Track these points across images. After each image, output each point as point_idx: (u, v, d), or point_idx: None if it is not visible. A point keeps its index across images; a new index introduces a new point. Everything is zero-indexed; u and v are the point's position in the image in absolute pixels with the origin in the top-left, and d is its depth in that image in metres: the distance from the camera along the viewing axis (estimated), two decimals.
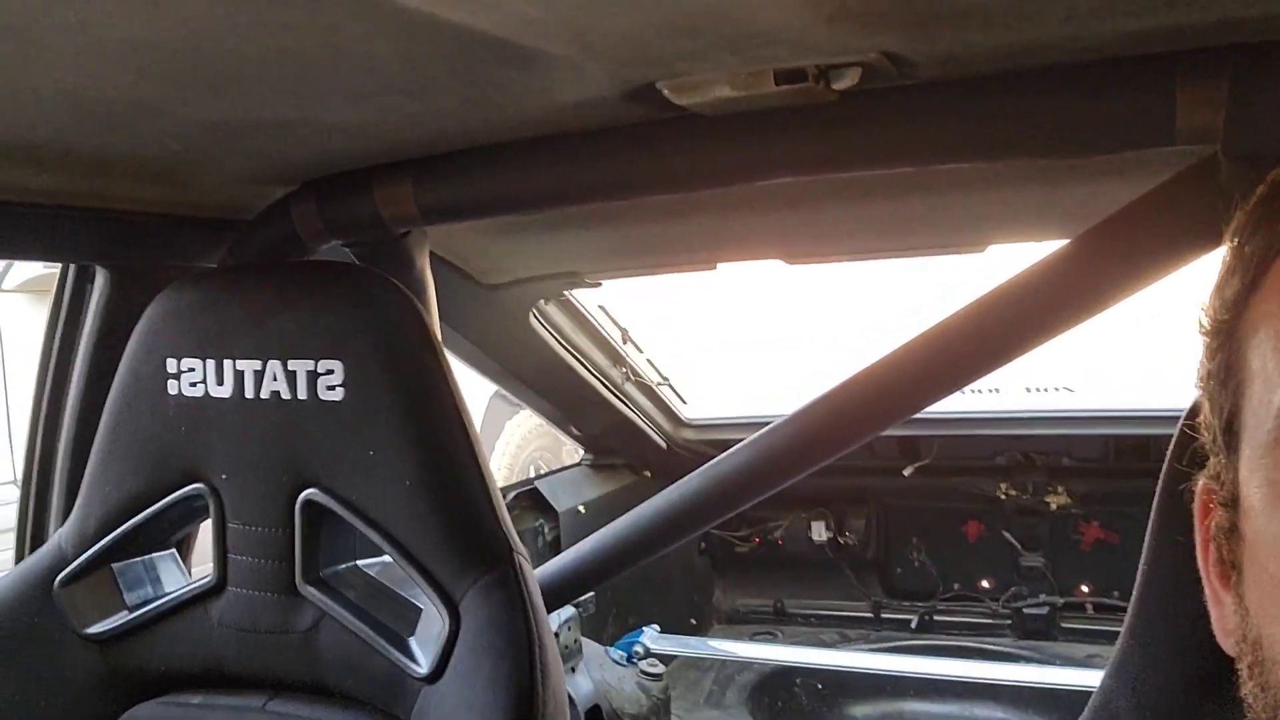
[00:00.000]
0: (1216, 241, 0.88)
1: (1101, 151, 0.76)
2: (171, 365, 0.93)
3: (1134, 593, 0.63)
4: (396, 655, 0.87)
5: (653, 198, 1.23)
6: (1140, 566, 0.63)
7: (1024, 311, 1.07)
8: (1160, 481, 0.62)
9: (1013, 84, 0.75)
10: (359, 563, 0.97)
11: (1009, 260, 1.30)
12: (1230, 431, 0.46)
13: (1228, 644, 0.47)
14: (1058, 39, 0.68)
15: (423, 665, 0.85)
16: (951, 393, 1.18)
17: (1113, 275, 0.99)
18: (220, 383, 0.91)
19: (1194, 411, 0.57)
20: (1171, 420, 1.97)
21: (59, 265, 1.20)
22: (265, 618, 0.93)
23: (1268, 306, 0.44)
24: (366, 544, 0.96)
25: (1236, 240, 0.47)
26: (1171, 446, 0.61)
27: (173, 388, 0.93)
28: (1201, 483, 0.50)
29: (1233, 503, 0.45)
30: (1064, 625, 2.50)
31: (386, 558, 0.99)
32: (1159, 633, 0.61)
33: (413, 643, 0.88)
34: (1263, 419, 0.42)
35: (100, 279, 1.11)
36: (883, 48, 0.69)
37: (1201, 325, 0.49)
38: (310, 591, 0.91)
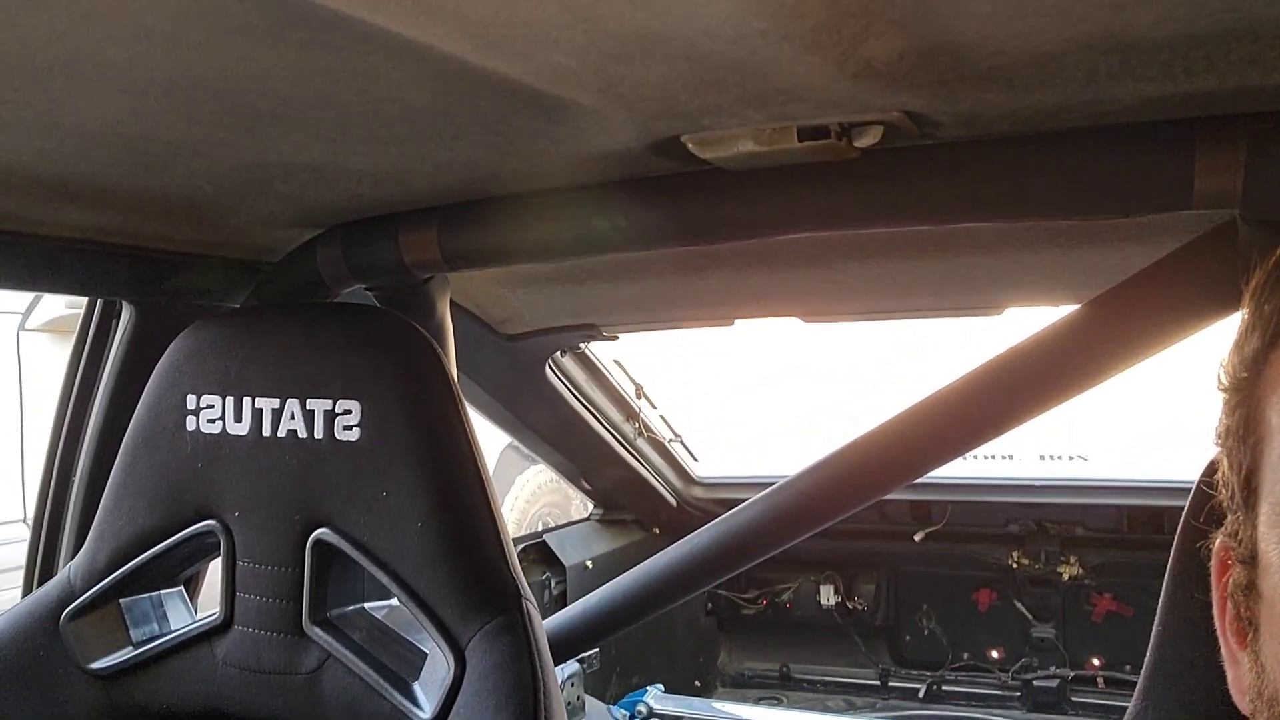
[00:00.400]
0: (1233, 306, 0.89)
1: (1120, 214, 0.77)
2: (191, 402, 0.94)
3: (1148, 652, 0.62)
4: (400, 699, 0.86)
5: (672, 253, 1.25)
6: (1154, 627, 0.63)
7: (1036, 374, 1.07)
8: (1176, 539, 0.62)
9: (1033, 145, 0.76)
10: (366, 605, 0.96)
11: (1025, 325, 1.31)
12: (1249, 488, 0.46)
13: (1243, 702, 0.47)
14: (1078, 102, 0.69)
15: (426, 710, 0.84)
16: (962, 454, 1.18)
17: (1127, 338, 1.00)
18: (238, 420, 0.92)
19: (1211, 469, 0.57)
20: (1186, 492, 1.95)
21: (81, 308, 1.21)
22: (270, 658, 0.92)
23: None
24: (375, 586, 0.96)
25: (1256, 299, 0.47)
26: (1188, 503, 0.61)
27: (191, 424, 0.94)
28: (1219, 540, 0.50)
29: (1251, 559, 0.45)
30: (1074, 699, 2.45)
31: (394, 600, 0.99)
32: (1173, 692, 0.60)
33: (416, 687, 0.87)
34: None
35: (126, 314, 1.12)
36: (905, 107, 0.70)
37: (1221, 382, 0.49)
38: (317, 632, 0.90)
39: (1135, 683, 2.02)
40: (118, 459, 0.98)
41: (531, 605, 0.88)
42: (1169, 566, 0.62)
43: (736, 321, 1.44)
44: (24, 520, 3.15)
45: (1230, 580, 0.48)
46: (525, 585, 0.89)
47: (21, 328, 3.31)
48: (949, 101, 0.70)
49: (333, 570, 0.91)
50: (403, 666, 0.88)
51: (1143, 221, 1.04)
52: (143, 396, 0.97)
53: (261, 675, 0.92)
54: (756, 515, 1.27)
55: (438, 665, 0.85)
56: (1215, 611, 0.50)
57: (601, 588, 1.49)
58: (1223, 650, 0.49)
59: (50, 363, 3.27)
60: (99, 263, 0.99)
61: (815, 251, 1.23)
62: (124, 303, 1.13)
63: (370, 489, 0.88)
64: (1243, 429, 0.46)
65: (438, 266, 0.98)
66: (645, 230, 0.92)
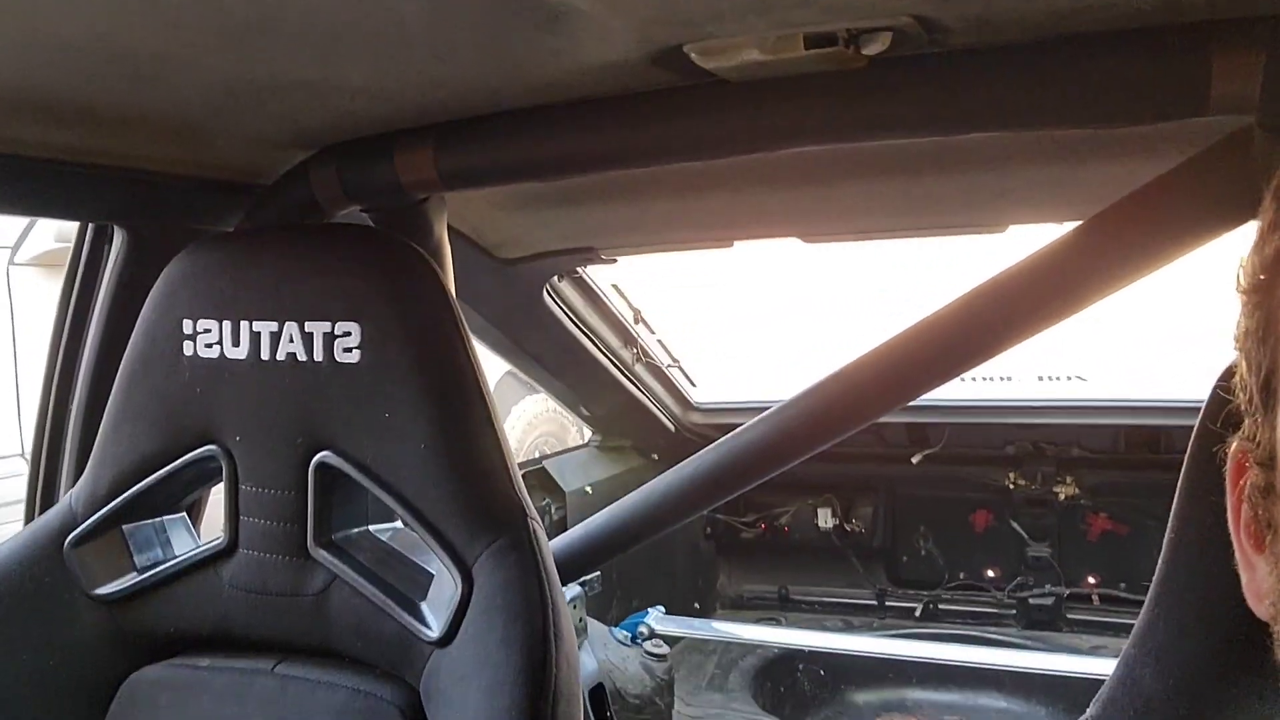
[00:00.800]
0: (1242, 218, 0.87)
1: (1134, 121, 0.75)
2: (188, 326, 0.93)
3: (1160, 562, 0.62)
4: (407, 619, 0.87)
5: (671, 172, 1.23)
6: (1167, 534, 0.62)
7: (1039, 291, 1.06)
8: (1191, 444, 0.62)
9: (1046, 51, 0.74)
10: (370, 527, 0.96)
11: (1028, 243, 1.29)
12: (1268, 390, 0.45)
13: (1261, 608, 0.47)
14: (1093, 5, 0.67)
15: (434, 629, 0.85)
16: (962, 373, 1.18)
17: (1132, 253, 0.99)
18: (236, 344, 0.91)
19: (1229, 373, 0.56)
20: (1186, 411, 1.98)
21: (71, 241, 1.19)
22: (276, 580, 0.93)
23: None
24: (379, 508, 0.96)
25: (1276, 196, 0.46)
26: (1204, 408, 0.60)
27: (188, 349, 0.93)
28: (1236, 444, 0.49)
29: (1269, 462, 0.44)
30: (1069, 616, 2.50)
31: (398, 523, 0.99)
32: (1186, 601, 0.60)
33: (424, 607, 0.88)
34: None
35: (118, 239, 1.11)
36: (914, 11, 0.68)
37: (1239, 283, 0.48)
38: (322, 555, 0.90)
39: (1130, 599, 2.06)
40: (115, 385, 0.98)
41: (537, 524, 0.88)
42: (1183, 472, 0.62)
43: (736, 243, 1.42)
44: (21, 454, 3.16)
45: (1247, 483, 0.47)
46: (530, 504, 0.89)
47: (11, 262, 3.28)
48: (959, 4, 0.67)
49: (336, 493, 0.91)
50: (409, 587, 0.89)
51: (1149, 133, 1.02)
52: (138, 322, 0.96)
53: (268, 597, 0.92)
54: (756, 438, 1.27)
55: (445, 585, 0.85)
56: (1230, 516, 0.50)
57: (602, 511, 1.50)
58: (1237, 555, 0.49)
59: (40, 297, 3.24)
60: (88, 186, 0.97)
61: (816, 170, 1.21)
62: (115, 227, 1.11)
63: (372, 411, 0.87)
64: (1262, 330, 0.45)
65: (434, 186, 0.97)
66: (647, 145, 0.90)
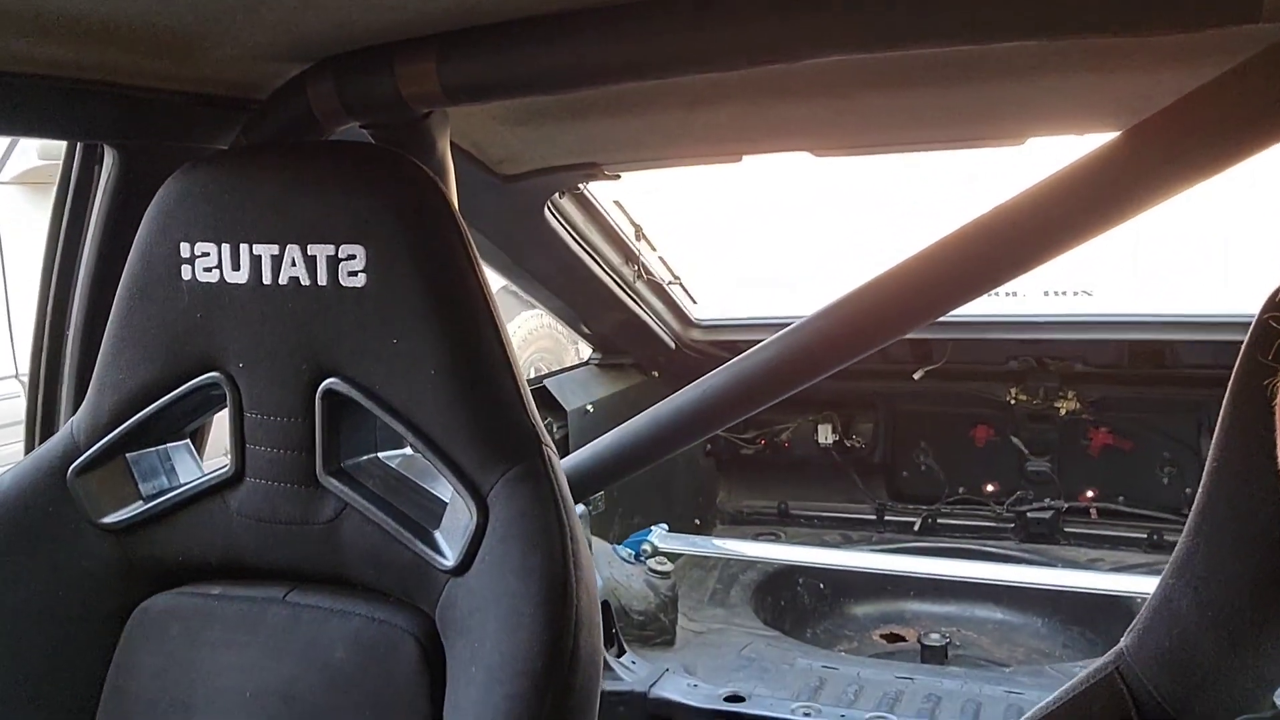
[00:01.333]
0: None
1: (1181, 27, 0.72)
2: (185, 249, 0.89)
3: (1200, 491, 0.61)
4: (421, 548, 0.85)
5: (679, 84, 1.18)
6: (1208, 464, 0.61)
7: (1072, 206, 1.03)
8: (1234, 373, 0.60)
9: None
10: (379, 454, 0.95)
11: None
12: None
13: None
14: None
15: (449, 558, 0.84)
16: (988, 291, 1.15)
17: (1168, 168, 0.96)
18: (236, 268, 0.88)
19: (1274, 303, 0.54)
20: (1191, 326, 1.96)
21: (57, 159, 1.15)
22: (285, 509, 0.91)
23: None
24: (387, 435, 0.94)
25: None
26: (1249, 337, 0.58)
27: (186, 273, 0.90)
28: None
29: None
30: (1067, 530, 2.51)
31: (407, 450, 0.97)
32: (1226, 531, 0.59)
33: (438, 535, 0.86)
34: None
35: (109, 159, 1.06)
36: None
37: None
38: (331, 483, 0.89)
39: (1128, 513, 2.07)
40: (112, 312, 0.95)
41: (552, 451, 0.86)
42: (1226, 402, 0.60)
43: (745, 158, 1.38)
44: (15, 376, 3.13)
45: None
46: (544, 430, 0.87)
47: None
48: None
49: (344, 420, 0.89)
50: (423, 515, 0.87)
51: (1181, 43, 0.98)
52: (134, 246, 0.92)
53: (278, 526, 0.91)
54: (770, 358, 1.25)
55: (459, 513, 0.84)
56: None
57: (610, 432, 1.49)
58: None
59: (25, 217, 3.18)
60: (76, 103, 0.93)
61: (829, 81, 1.17)
62: (105, 147, 1.07)
63: (380, 336, 0.84)
64: None
65: (437, 100, 0.92)
66: (658, 55, 0.86)
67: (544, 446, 0.86)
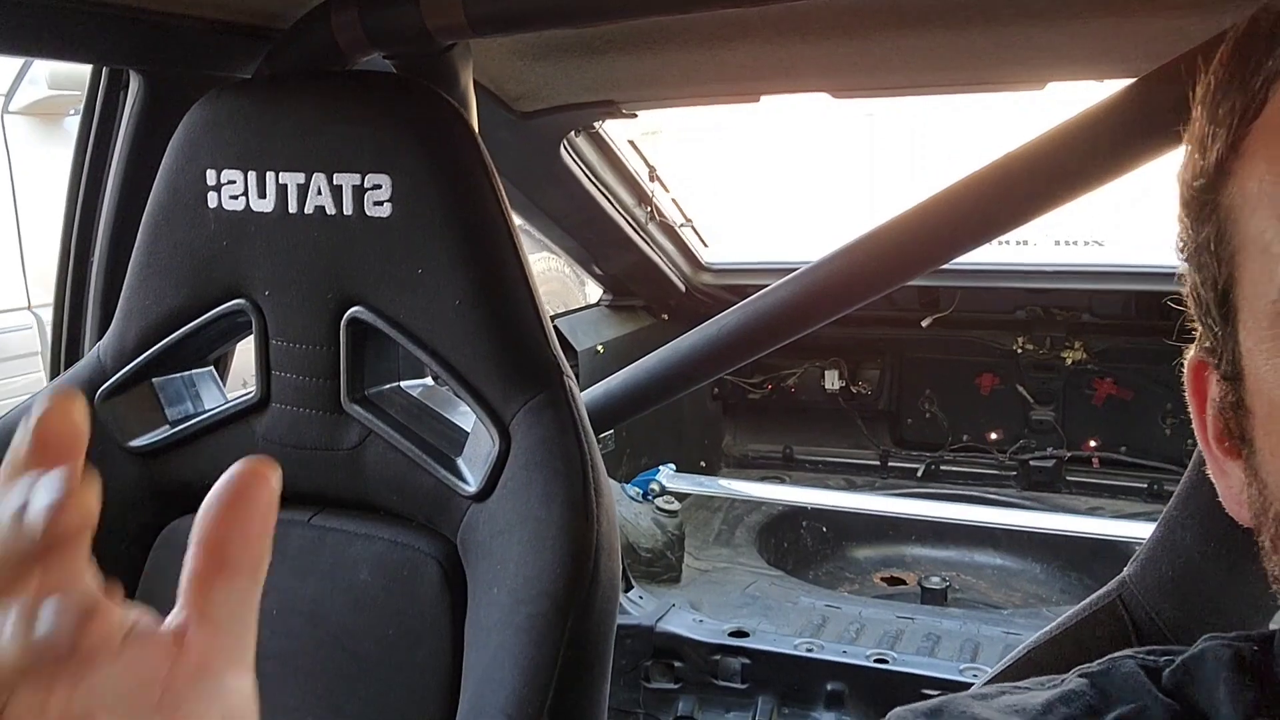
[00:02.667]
0: None
1: None
2: (211, 177, 0.90)
3: (1199, 448, 0.62)
4: (444, 474, 0.88)
5: (697, 21, 1.18)
6: None
7: (1084, 153, 1.04)
8: None
9: None
10: (402, 383, 0.96)
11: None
12: (1227, 303, 0.44)
13: (1242, 515, 0.47)
14: None
15: (471, 484, 0.86)
16: (996, 238, 1.16)
17: (1182, 116, 0.96)
18: (262, 196, 0.89)
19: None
20: None
21: (65, 89, 1.15)
22: (310, 434, 0.93)
23: (1258, 173, 0.42)
24: (410, 364, 0.96)
25: (1209, 105, 0.44)
26: None
27: (212, 200, 0.91)
28: (1191, 356, 0.49)
29: (1236, 376, 0.44)
30: (1069, 478, 2.54)
31: (428, 380, 0.99)
32: None
33: (460, 462, 0.88)
34: (1264, 289, 0.41)
35: (134, 85, 1.07)
36: None
37: (1182, 196, 0.46)
38: (356, 410, 0.91)
39: (1129, 463, 2.09)
40: (138, 238, 0.96)
41: (572, 381, 0.88)
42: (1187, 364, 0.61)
43: (763, 98, 1.38)
44: (28, 307, 3.15)
45: (1213, 397, 0.47)
46: (564, 361, 0.89)
47: (5, 110, 3.20)
48: None
49: (368, 349, 0.91)
50: (445, 443, 0.89)
51: None
52: (159, 173, 0.94)
53: (303, 451, 0.93)
54: (780, 300, 1.26)
55: (481, 441, 0.86)
56: (1195, 426, 0.49)
57: (621, 371, 1.50)
58: (1209, 463, 0.49)
59: (36, 148, 3.17)
60: (103, 27, 0.93)
61: (848, 20, 1.16)
62: (131, 74, 1.07)
63: (405, 267, 0.86)
64: (1214, 243, 0.44)
65: (462, 32, 0.93)
66: None
67: (565, 377, 0.87)
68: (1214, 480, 0.49)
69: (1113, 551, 2.24)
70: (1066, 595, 2.32)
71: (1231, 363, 0.44)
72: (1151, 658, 0.52)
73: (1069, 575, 2.38)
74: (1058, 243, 2.43)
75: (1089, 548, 2.29)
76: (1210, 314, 0.45)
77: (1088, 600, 0.66)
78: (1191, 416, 0.50)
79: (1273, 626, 0.64)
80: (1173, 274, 1.66)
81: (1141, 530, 2.18)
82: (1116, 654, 0.52)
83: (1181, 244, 0.47)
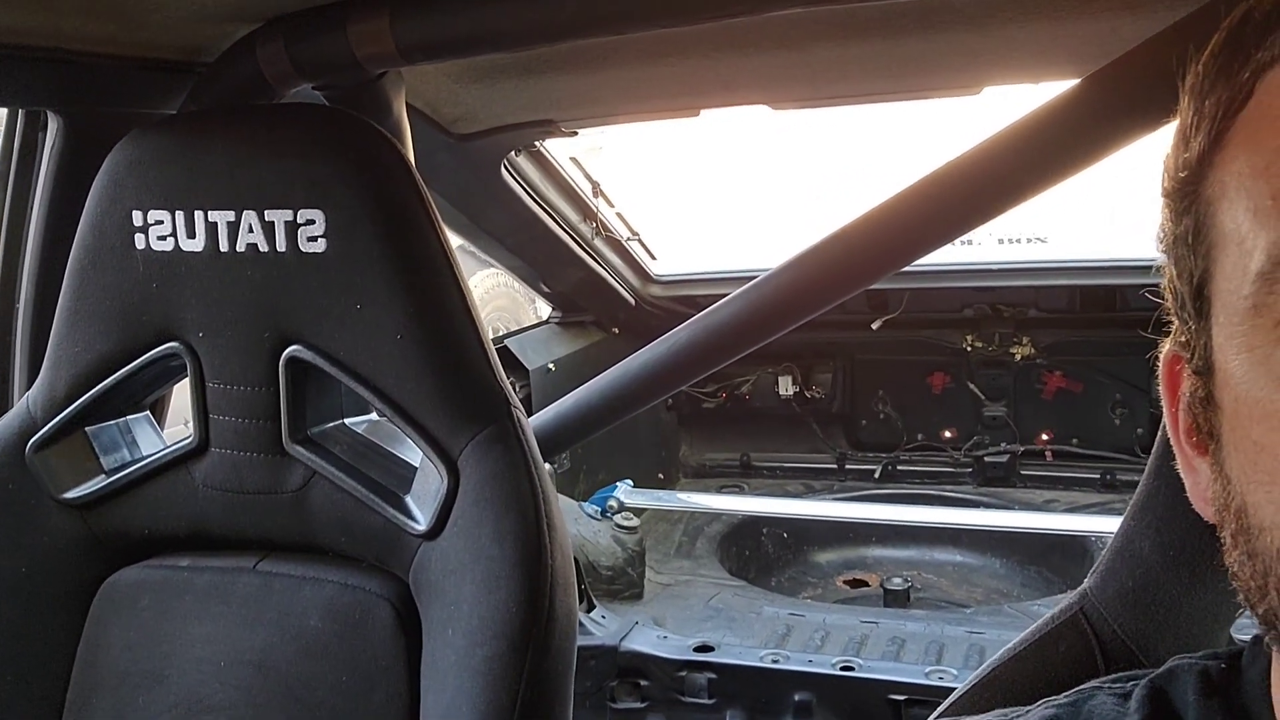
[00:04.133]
0: None
1: None
2: (137, 218, 0.87)
3: (1160, 432, 0.62)
4: (393, 513, 0.85)
5: (635, 38, 1.17)
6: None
7: (1029, 156, 1.04)
8: None
9: None
10: (345, 421, 0.94)
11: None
12: (1201, 296, 0.43)
13: (1207, 512, 0.46)
14: None
15: (421, 522, 0.84)
16: (948, 243, 1.16)
17: (1125, 115, 0.97)
18: (191, 235, 0.86)
19: None
20: (1139, 270, 1.98)
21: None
22: (252, 478, 0.90)
23: (1236, 166, 0.41)
24: (352, 401, 0.94)
25: (1196, 96, 0.44)
26: None
27: (140, 242, 0.88)
28: (1167, 349, 0.48)
29: (1207, 370, 0.43)
30: (1023, 472, 2.57)
31: (373, 415, 0.97)
32: None
33: (409, 500, 0.86)
34: (1238, 284, 0.40)
35: (53, 126, 1.03)
36: None
37: (1164, 187, 0.46)
38: (299, 451, 0.88)
39: (1081, 454, 2.12)
40: (64, 283, 0.93)
41: (520, 413, 0.86)
42: (1162, 357, 0.61)
43: (703, 112, 1.37)
44: None
45: (1185, 391, 0.46)
46: (512, 392, 0.87)
47: None
48: None
49: (309, 388, 0.88)
50: (392, 480, 0.87)
51: None
52: (83, 216, 0.90)
53: (245, 496, 0.90)
54: (736, 312, 1.26)
55: (430, 478, 0.84)
56: (1167, 421, 0.49)
57: (575, 391, 1.49)
58: (1179, 459, 0.48)
59: None
60: (18, 69, 0.90)
61: (786, 32, 1.16)
62: (49, 114, 1.03)
63: (342, 302, 0.83)
64: (1192, 236, 0.44)
65: (392, 60, 0.91)
66: (618, 10, 0.85)
67: (512, 408, 0.86)
68: (1183, 477, 0.49)
69: (1070, 544, 2.26)
70: (1027, 589, 2.34)
71: (1203, 357, 0.44)
72: (1118, 685, 0.51)
73: (1028, 569, 2.40)
74: (1002, 241, 2.46)
75: (1047, 541, 2.32)
76: (1185, 307, 0.45)
77: (1049, 614, 0.65)
78: (1164, 411, 0.49)
79: (1233, 634, 0.64)
80: (1114, 267, 1.68)
81: (1096, 524, 2.21)
82: (1085, 685, 0.52)
83: (1161, 235, 0.47)
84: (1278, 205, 0.39)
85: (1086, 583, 0.66)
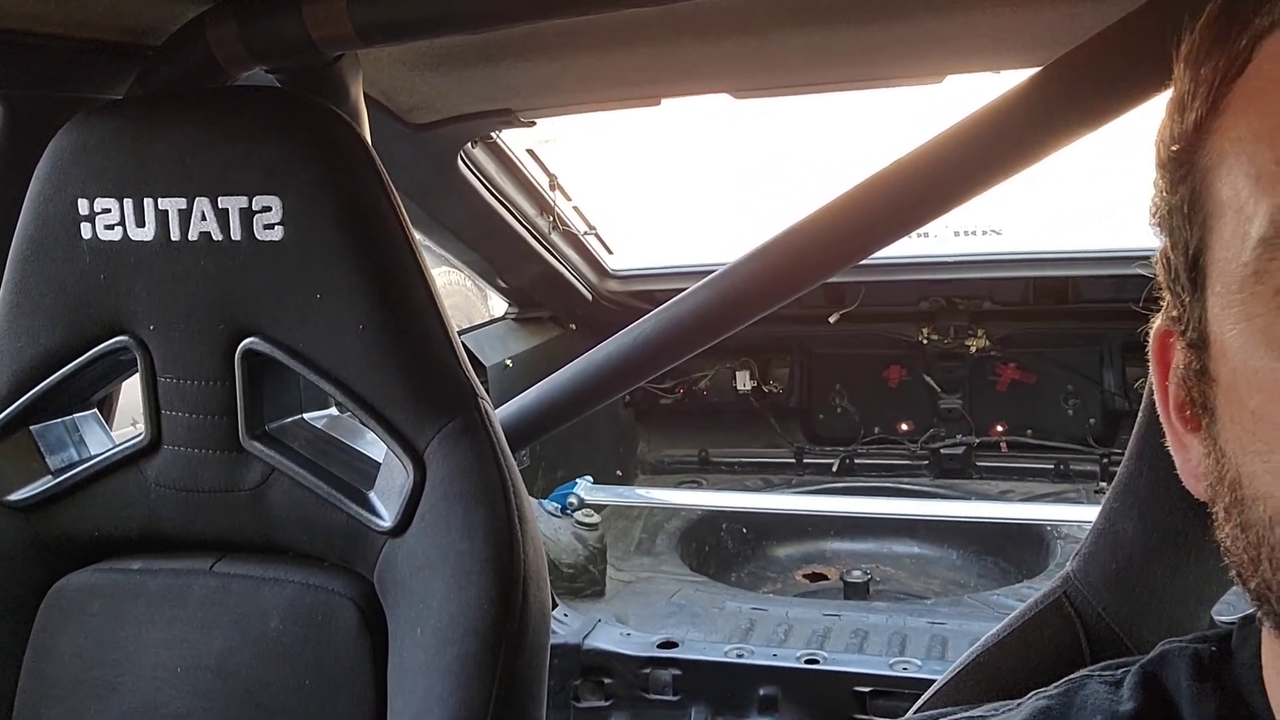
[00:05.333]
0: None
1: None
2: (83, 206, 0.84)
3: (1139, 414, 0.61)
4: (356, 509, 0.83)
5: (595, 25, 1.15)
6: (1147, 389, 0.61)
7: (990, 145, 1.04)
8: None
9: None
10: (304, 415, 0.91)
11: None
12: (1196, 268, 0.43)
13: (1198, 489, 0.46)
14: None
15: (386, 518, 0.81)
16: (908, 234, 1.16)
17: (1085, 104, 0.97)
18: (141, 224, 0.83)
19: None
20: (1090, 262, 2.00)
21: None
22: (207, 476, 0.87)
23: (1236, 132, 0.41)
24: (313, 395, 0.91)
25: (1192, 64, 0.43)
26: None
27: (86, 231, 0.84)
28: (1158, 325, 0.48)
29: (1201, 343, 0.43)
30: (979, 464, 2.58)
31: (333, 410, 0.94)
32: (1169, 455, 0.59)
33: (373, 496, 0.84)
34: (1237, 252, 0.40)
35: None
36: None
37: (1159, 158, 0.45)
38: (256, 447, 0.85)
39: (1035, 444, 2.14)
40: (6, 276, 0.89)
41: (487, 404, 0.84)
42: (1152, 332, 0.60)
43: (664, 101, 1.36)
44: None
45: (1176, 365, 0.46)
46: (478, 382, 0.85)
47: None
48: None
49: (267, 381, 0.85)
50: (355, 476, 0.85)
51: None
52: (25, 203, 0.86)
53: (200, 494, 0.87)
54: (696, 306, 1.24)
55: (395, 473, 0.81)
56: (1158, 398, 0.48)
57: (535, 387, 1.46)
58: (1169, 436, 0.48)
59: None
60: None
61: (747, 20, 1.15)
62: None
63: (302, 292, 0.81)
64: (1188, 206, 0.43)
65: (350, 42, 0.88)
66: None
67: (479, 399, 0.83)
68: (1173, 453, 0.48)
69: (1026, 534, 2.28)
70: (984, 580, 2.36)
71: (1198, 329, 0.43)
72: (1109, 672, 0.50)
73: (985, 559, 2.42)
74: (957, 233, 2.47)
75: (1003, 531, 2.33)
76: (1179, 279, 0.44)
77: (1033, 599, 0.65)
78: (1154, 386, 0.49)
79: (1216, 615, 0.64)
80: (1065, 259, 1.69)
81: (1051, 512, 2.24)
82: (1075, 675, 0.51)
83: (1154, 209, 0.46)
84: None
85: (1069, 566, 0.65)
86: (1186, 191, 0.43)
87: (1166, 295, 0.46)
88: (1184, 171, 0.43)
